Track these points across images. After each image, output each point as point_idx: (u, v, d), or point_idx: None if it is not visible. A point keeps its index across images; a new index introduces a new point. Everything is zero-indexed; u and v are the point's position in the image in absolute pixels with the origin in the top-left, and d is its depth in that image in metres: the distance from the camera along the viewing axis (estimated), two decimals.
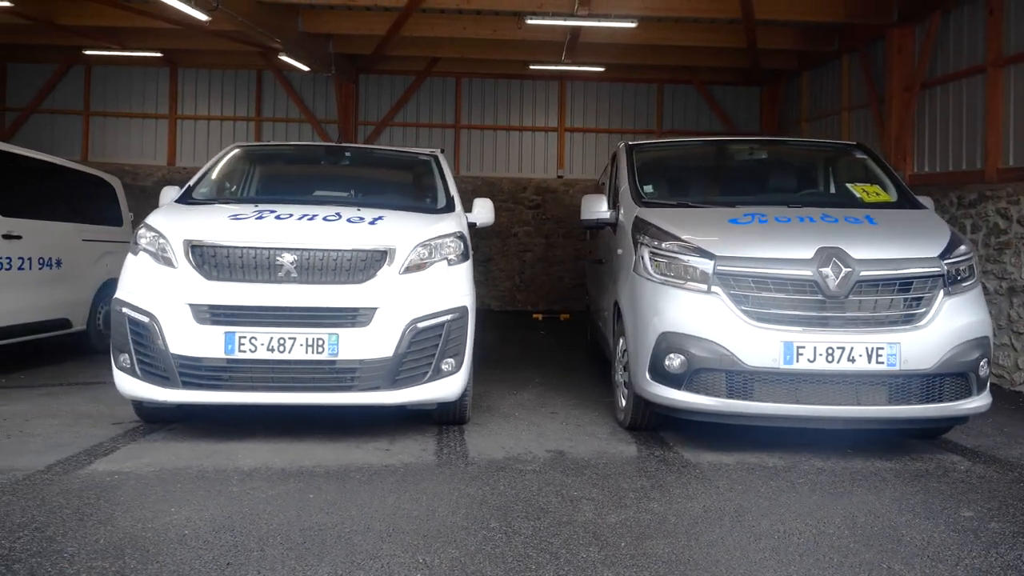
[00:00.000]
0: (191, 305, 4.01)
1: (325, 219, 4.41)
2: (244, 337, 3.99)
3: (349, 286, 4.13)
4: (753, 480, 3.79)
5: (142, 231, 4.38)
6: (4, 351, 6.60)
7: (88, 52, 13.15)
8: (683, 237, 4.37)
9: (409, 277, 4.27)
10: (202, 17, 8.08)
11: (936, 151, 8.53)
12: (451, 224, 4.68)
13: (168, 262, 4.16)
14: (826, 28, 10.79)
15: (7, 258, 6.43)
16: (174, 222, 4.32)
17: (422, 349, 4.21)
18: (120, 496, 3.26)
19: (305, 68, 11.89)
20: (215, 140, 14.87)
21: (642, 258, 4.51)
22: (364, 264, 4.19)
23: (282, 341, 4.01)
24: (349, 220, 4.43)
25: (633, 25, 9.18)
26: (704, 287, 4.17)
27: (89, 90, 14.74)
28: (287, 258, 4.11)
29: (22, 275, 6.64)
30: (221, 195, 5.27)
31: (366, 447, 4.24)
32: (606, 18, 9.04)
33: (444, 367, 4.30)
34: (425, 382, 4.23)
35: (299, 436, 4.38)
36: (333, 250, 4.16)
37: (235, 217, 4.38)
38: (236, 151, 5.68)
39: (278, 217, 4.38)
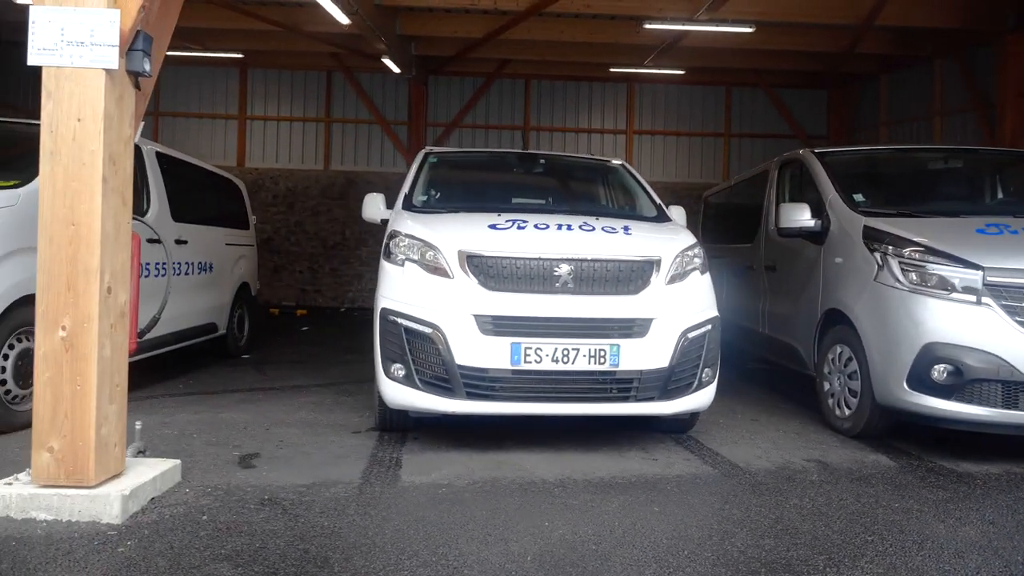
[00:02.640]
0: (476, 316, 4.02)
1: (582, 228, 4.44)
2: (530, 348, 4.00)
3: (625, 297, 4.15)
4: None
5: (401, 240, 4.38)
6: (152, 358, 6.55)
7: (168, 52, 13.07)
8: (938, 248, 4.41)
9: (674, 288, 4.29)
10: (344, 20, 8.05)
11: None
12: (690, 234, 4.73)
13: (442, 273, 4.17)
14: (920, 33, 10.87)
15: (176, 263, 6.40)
16: (439, 232, 4.32)
17: (689, 359, 4.24)
18: (474, 511, 3.24)
19: (397, 70, 11.88)
20: (284, 141, 14.85)
21: (889, 267, 4.54)
22: (636, 274, 4.21)
23: (566, 352, 4.02)
24: (604, 230, 4.46)
25: (751, 30, 9.22)
26: (973, 298, 4.21)
27: (159, 90, 14.66)
28: (564, 268, 4.12)
29: (187, 280, 6.63)
30: (435, 203, 5.26)
31: (630, 457, 4.26)
32: (724, 23, 9.09)
33: (704, 377, 4.34)
34: (692, 392, 4.27)
35: (552, 446, 4.39)
36: (609, 260, 4.18)
37: (494, 227, 4.39)
38: (432, 158, 5.68)
39: (536, 227, 4.40)
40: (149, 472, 3.19)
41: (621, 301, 4.14)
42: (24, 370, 4.42)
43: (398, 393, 4.15)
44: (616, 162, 5.91)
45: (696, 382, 4.28)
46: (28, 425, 4.45)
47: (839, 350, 5.06)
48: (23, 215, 4.40)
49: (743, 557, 2.84)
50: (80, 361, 2.89)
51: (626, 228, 4.55)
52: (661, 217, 5.20)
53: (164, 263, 6.28)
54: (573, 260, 4.15)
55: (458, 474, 3.80)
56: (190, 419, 4.88)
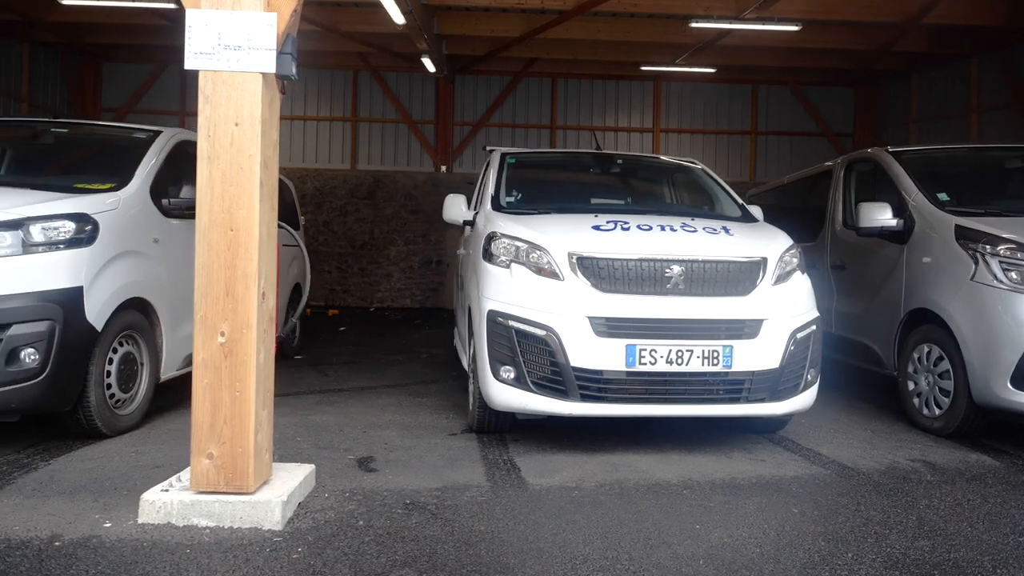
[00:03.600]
0: (590, 318, 4.02)
1: (684, 229, 4.44)
2: (645, 350, 4.00)
3: (735, 298, 4.15)
4: None
5: (504, 242, 4.37)
6: None
7: None
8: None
9: (780, 288, 4.30)
10: (400, 20, 8.04)
11: None
12: (785, 234, 4.72)
13: (552, 274, 4.16)
14: (960, 30, 10.87)
15: None
16: (545, 234, 4.30)
17: (797, 360, 4.24)
18: (619, 513, 3.21)
19: (433, 69, 11.86)
20: (311, 141, 14.82)
21: (987, 267, 4.55)
22: (744, 275, 4.21)
23: (680, 353, 4.02)
24: (706, 230, 4.46)
25: (796, 28, 9.23)
26: None
27: (184, 90, 14.61)
28: (676, 269, 4.12)
29: None
30: (521, 204, 5.25)
31: (736, 458, 4.26)
32: (770, 21, 9.09)
33: (809, 377, 4.35)
34: (799, 392, 4.27)
35: (653, 446, 4.38)
36: (719, 261, 4.18)
37: (598, 229, 4.38)
38: (511, 159, 5.66)
39: (639, 228, 4.39)
40: (293, 478, 3.17)
41: (732, 302, 4.14)
42: (126, 374, 4.39)
43: (508, 395, 4.14)
44: (694, 163, 5.91)
45: (803, 382, 4.29)
46: (130, 429, 4.45)
47: (926, 349, 5.07)
48: (124, 218, 4.38)
49: (907, 559, 2.84)
50: (239, 367, 2.88)
51: (725, 229, 4.56)
52: (747, 217, 5.20)
53: None
54: (684, 261, 4.14)
55: (580, 476, 3.79)
56: (282, 422, 4.85)
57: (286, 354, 7.86)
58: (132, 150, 4.99)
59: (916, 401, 5.17)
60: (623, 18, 10.70)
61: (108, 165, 4.98)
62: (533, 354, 4.07)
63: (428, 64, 11.41)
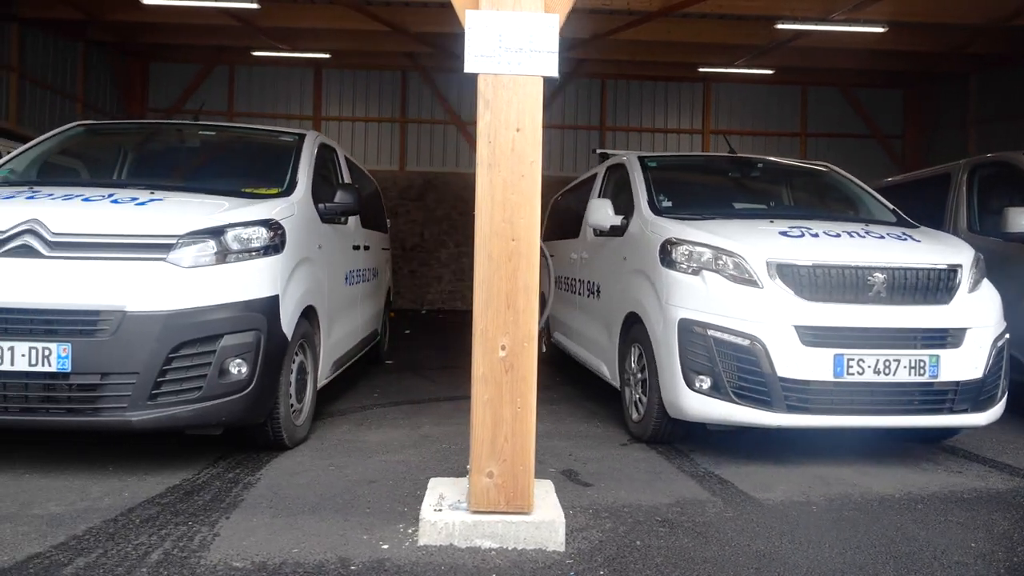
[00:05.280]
0: (796, 327, 3.92)
1: (871, 235, 4.35)
2: (852, 359, 3.90)
3: (938, 306, 4.06)
4: None
5: (688, 248, 4.27)
6: None
7: (258, 53, 12.90)
8: None
9: (975, 296, 4.21)
10: None
11: None
12: (963, 241, 4.65)
13: (749, 282, 4.06)
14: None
15: (359, 271, 6.26)
16: (735, 240, 4.20)
17: (995, 369, 4.16)
18: (880, 528, 3.11)
19: None
20: (359, 142, 14.69)
21: None
22: (944, 283, 4.12)
23: (887, 363, 3.92)
24: (892, 236, 4.37)
25: (883, 30, 9.15)
26: None
27: (233, 91, 14.48)
28: (879, 277, 4.02)
29: (367, 287, 6.49)
30: (676, 208, 5.14)
31: (928, 469, 4.16)
32: (856, 23, 9.02)
33: (1003, 386, 4.26)
34: (997, 403, 4.19)
35: (842, 459, 4.29)
36: (921, 268, 4.09)
37: (785, 234, 4.29)
38: (651, 163, 5.56)
39: (827, 234, 4.30)
40: (548, 495, 3.07)
41: (935, 311, 4.05)
42: (299, 384, 4.27)
43: (704, 405, 4.04)
44: (828, 166, 5.82)
45: (999, 392, 4.20)
46: (303, 440, 4.33)
47: None
48: (299, 224, 4.26)
49: None
50: (520, 382, 2.77)
51: (909, 235, 4.48)
52: (905, 222, 5.10)
53: (364, 270, 6.16)
54: (886, 268, 4.05)
55: (800, 491, 3.69)
56: (444, 432, 4.75)
57: (379, 359, 7.75)
58: (283, 154, 4.87)
59: None
60: (693, 19, 10.62)
61: (262, 169, 4.86)
62: (735, 363, 3.97)
63: None
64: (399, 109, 14.68)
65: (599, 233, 5.53)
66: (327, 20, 10.69)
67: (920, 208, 7.02)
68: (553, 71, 2.80)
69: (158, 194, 3.90)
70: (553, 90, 14.78)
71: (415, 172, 14.64)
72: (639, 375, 4.64)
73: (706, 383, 4.04)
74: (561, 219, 7.61)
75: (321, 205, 4.74)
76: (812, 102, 15.09)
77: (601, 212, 5.22)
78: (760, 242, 4.19)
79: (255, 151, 5.21)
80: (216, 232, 3.63)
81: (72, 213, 3.54)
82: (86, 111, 12.42)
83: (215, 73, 14.40)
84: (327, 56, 13.14)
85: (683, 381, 4.10)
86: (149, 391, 3.33)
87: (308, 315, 4.39)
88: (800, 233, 4.31)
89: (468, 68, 2.78)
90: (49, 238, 3.40)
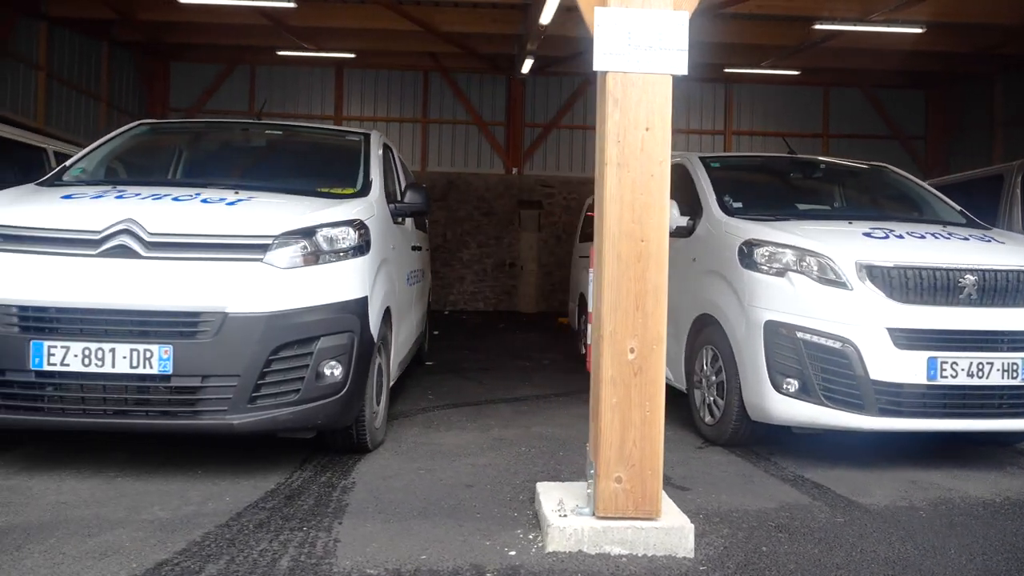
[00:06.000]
0: (889, 329, 3.88)
1: (953, 237, 4.32)
2: (946, 362, 3.86)
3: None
4: None
5: (770, 249, 4.23)
6: None
7: (281, 53, 12.84)
8: None
9: None
10: (548, 20, 7.88)
11: None
12: None
13: (837, 283, 4.01)
14: None
15: (416, 272, 6.21)
16: (821, 241, 4.16)
17: None
18: (1000, 534, 3.11)
19: (526, 70, 11.72)
20: None
21: None
22: None
23: (980, 366, 3.89)
24: (975, 239, 4.35)
25: (921, 31, 9.13)
26: None
27: (254, 91, 14.42)
28: (969, 279, 3.98)
29: (419, 288, 6.44)
30: (745, 209, 5.09)
31: (1016, 473, 4.13)
32: (894, 23, 8.99)
33: None
34: None
35: (915, 461, 4.25)
36: (1011, 270, 4.05)
37: (869, 236, 4.25)
38: (715, 163, 5.52)
39: (911, 235, 4.28)
40: (667, 501, 3.02)
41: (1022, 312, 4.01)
42: (377, 386, 4.21)
43: (792, 408, 4.00)
44: (886, 166, 5.80)
45: None
46: (381, 443, 4.27)
47: None
48: (378, 225, 4.21)
49: None
50: (649, 385, 2.72)
51: (988, 237, 4.47)
52: (974, 223, 5.07)
53: (418, 271, 6.12)
54: (977, 270, 4.01)
55: (899, 495, 3.65)
56: (515, 435, 4.70)
57: (422, 360, 7.70)
58: (351, 153, 4.83)
59: None
60: (725, 19, 10.59)
61: (332, 168, 4.82)
62: (826, 366, 3.93)
63: (526, 65, 11.26)
64: (420, 109, 14.63)
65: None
66: (357, 19, 10.64)
67: (970, 209, 7.01)
68: (683, 69, 2.76)
69: (243, 194, 3.85)
70: (572, 93, 14.75)
71: (437, 173, 14.59)
72: (713, 377, 4.60)
73: (794, 386, 4.00)
74: None
75: (392, 205, 4.70)
76: (834, 103, 15.06)
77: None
78: (847, 243, 4.15)
79: (323, 151, 5.17)
80: (308, 232, 3.58)
81: (167, 213, 3.49)
82: (110, 111, 12.34)
83: (236, 72, 14.33)
84: (352, 56, 13.08)
85: (769, 383, 4.06)
86: (250, 394, 3.27)
87: (386, 316, 4.35)
88: (884, 235, 4.27)
89: (597, 66, 2.74)
90: (146, 238, 3.35)
